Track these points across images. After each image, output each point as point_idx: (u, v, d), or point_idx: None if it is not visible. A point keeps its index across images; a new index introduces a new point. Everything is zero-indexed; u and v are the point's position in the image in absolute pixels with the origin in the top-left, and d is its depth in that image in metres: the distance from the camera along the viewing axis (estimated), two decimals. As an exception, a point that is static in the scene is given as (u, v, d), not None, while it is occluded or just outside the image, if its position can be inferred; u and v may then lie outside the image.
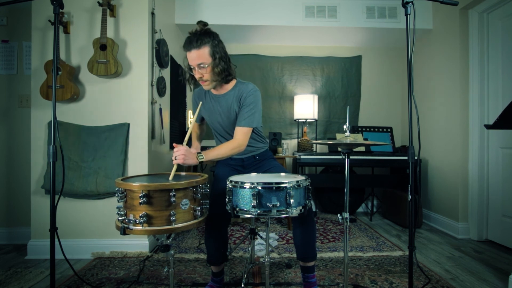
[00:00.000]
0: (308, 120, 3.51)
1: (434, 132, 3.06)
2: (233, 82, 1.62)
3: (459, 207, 2.68)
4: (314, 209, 3.50)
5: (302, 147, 3.32)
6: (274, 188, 1.18)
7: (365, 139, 3.24)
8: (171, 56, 2.81)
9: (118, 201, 1.20)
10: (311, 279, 1.53)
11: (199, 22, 1.48)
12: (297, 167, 3.05)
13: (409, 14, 1.38)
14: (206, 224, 1.48)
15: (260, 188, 1.17)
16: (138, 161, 2.21)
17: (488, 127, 1.38)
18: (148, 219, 1.15)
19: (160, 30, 2.49)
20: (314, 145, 3.41)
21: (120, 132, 2.17)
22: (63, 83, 2.07)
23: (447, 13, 2.84)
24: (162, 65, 2.50)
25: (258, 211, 1.17)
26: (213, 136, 1.77)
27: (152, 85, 2.34)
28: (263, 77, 3.64)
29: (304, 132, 3.41)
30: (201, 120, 1.82)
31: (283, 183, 1.19)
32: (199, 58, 1.43)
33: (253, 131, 1.61)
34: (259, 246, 2.24)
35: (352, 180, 3.08)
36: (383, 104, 3.73)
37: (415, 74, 3.36)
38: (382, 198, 3.46)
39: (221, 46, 1.50)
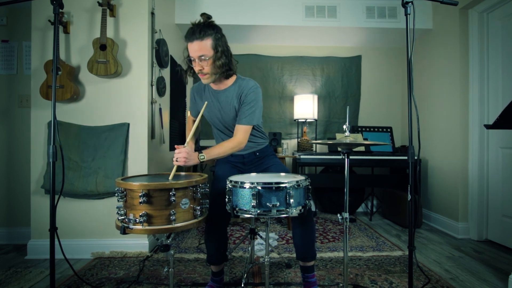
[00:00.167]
0: (308, 120, 3.52)
1: (434, 132, 3.06)
2: (233, 78, 1.59)
3: (459, 207, 2.68)
4: (314, 209, 3.50)
5: (302, 147, 3.32)
6: (274, 188, 1.18)
7: (365, 139, 3.23)
8: (171, 56, 2.81)
9: (118, 200, 1.20)
10: (310, 279, 1.53)
11: (203, 14, 1.45)
12: (297, 167, 3.05)
13: (409, 14, 1.38)
14: (206, 224, 1.48)
15: (260, 188, 1.17)
16: (138, 161, 2.21)
17: (488, 127, 1.38)
18: (148, 219, 1.15)
19: (160, 30, 2.49)
20: (314, 145, 3.41)
21: (120, 132, 2.17)
22: (63, 83, 2.07)
23: (447, 13, 2.84)
24: (162, 65, 2.50)
25: (258, 211, 1.17)
26: (212, 131, 1.75)
27: (152, 85, 2.34)
28: (263, 77, 3.64)
29: (304, 132, 3.41)
30: (196, 116, 1.79)
31: (283, 183, 1.19)
32: (201, 49, 1.40)
33: (253, 127, 1.60)
34: (259, 246, 2.24)
35: (352, 180, 3.08)
36: (383, 104, 3.73)
37: (415, 74, 3.36)
38: (382, 198, 3.46)
39: (224, 40, 1.48)
